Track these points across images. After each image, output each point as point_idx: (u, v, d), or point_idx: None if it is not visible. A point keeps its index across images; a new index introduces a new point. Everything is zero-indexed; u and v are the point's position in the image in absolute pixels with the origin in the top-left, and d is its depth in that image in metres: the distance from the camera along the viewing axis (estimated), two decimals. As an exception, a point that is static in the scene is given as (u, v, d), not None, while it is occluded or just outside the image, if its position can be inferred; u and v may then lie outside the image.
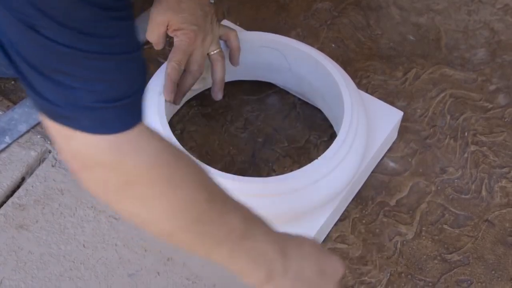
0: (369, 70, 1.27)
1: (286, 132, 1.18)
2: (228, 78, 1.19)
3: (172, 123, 1.16)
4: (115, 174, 0.68)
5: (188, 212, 0.71)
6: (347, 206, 1.11)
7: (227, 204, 0.75)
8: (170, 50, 1.06)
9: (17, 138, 1.16)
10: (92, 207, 1.10)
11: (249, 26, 1.26)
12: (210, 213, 0.72)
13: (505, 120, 1.22)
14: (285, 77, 1.17)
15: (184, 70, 1.06)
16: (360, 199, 1.12)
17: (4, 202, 1.10)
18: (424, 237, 1.09)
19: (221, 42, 1.11)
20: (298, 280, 0.78)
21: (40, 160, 1.15)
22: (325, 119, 1.18)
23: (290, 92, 1.22)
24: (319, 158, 0.99)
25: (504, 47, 1.32)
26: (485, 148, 1.19)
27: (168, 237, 0.73)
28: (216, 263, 0.76)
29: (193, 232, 0.72)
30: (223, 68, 1.10)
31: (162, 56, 1.25)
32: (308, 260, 0.80)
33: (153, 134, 0.71)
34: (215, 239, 0.73)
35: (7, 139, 1.16)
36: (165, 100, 1.04)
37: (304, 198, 0.98)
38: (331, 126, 1.17)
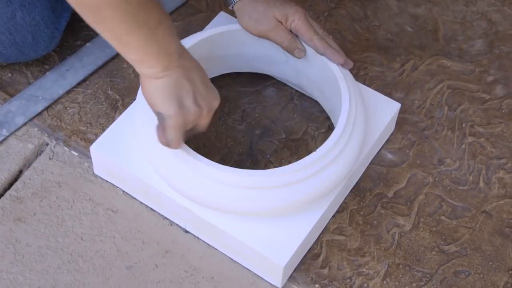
0: (366, 61, 1.27)
1: (283, 124, 1.18)
2: (224, 70, 1.19)
3: (169, 115, 1.16)
4: None
5: None
6: (345, 198, 1.11)
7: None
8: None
9: (14, 131, 1.16)
10: (90, 199, 1.10)
11: (246, 17, 1.26)
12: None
13: (503, 111, 1.22)
14: (283, 69, 1.17)
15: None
16: (358, 190, 1.12)
17: (1, 195, 1.10)
18: (422, 229, 1.09)
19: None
20: (185, 77, 0.92)
21: (38, 153, 1.15)
22: (322, 111, 1.18)
23: (288, 84, 1.22)
24: (317, 150, 0.99)
25: (501, 38, 1.32)
26: (482, 139, 1.19)
27: (95, 12, 0.82)
28: (127, 48, 0.88)
29: (119, 10, 0.81)
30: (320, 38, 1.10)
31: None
32: (198, 70, 0.94)
33: None
34: (137, 21, 0.84)
35: (4, 132, 1.15)
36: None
37: (302, 190, 0.98)
38: (328, 118, 1.17)
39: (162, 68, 0.90)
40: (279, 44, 1.09)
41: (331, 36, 1.11)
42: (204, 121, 0.97)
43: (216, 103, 0.97)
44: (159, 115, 0.94)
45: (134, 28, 0.85)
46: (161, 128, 0.94)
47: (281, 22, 1.09)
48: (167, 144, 0.95)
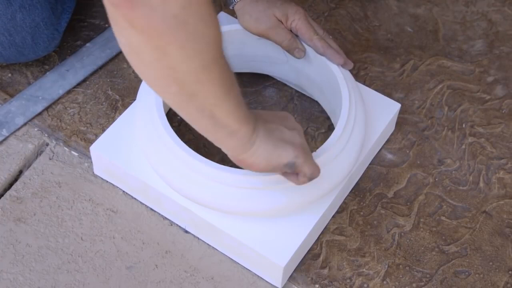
0: (366, 61, 1.27)
1: (283, 124, 1.18)
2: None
3: (169, 116, 1.16)
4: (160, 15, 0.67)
5: (202, 56, 0.72)
6: (345, 198, 1.11)
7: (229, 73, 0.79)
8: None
9: (14, 131, 1.16)
10: (89, 200, 1.10)
11: (246, 18, 1.26)
12: (218, 63, 0.75)
13: (503, 111, 1.23)
14: (283, 69, 1.17)
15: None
16: (358, 191, 1.12)
17: (1, 195, 1.10)
18: (422, 229, 1.09)
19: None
20: (274, 128, 0.88)
21: (38, 153, 1.15)
22: (322, 111, 1.18)
23: (288, 84, 1.22)
24: (317, 150, 0.99)
25: (501, 38, 1.32)
26: (482, 139, 1.19)
27: (180, 86, 0.74)
28: (220, 121, 0.80)
29: (214, 71, 0.74)
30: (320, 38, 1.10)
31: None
32: (270, 116, 0.90)
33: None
34: (226, 84, 0.77)
35: (4, 132, 1.15)
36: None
37: (302, 191, 0.98)
38: (328, 118, 1.17)
39: (251, 131, 0.85)
40: (279, 43, 1.09)
41: (331, 36, 1.11)
42: None
43: (287, 114, 0.94)
44: (286, 168, 0.90)
45: (227, 92, 0.78)
46: (295, 173, 0.91)
47: (281, 22, 1.09)
48: (313, 177, 0.92)
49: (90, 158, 1.12)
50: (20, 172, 1.13)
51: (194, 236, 1.07)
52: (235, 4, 1.10)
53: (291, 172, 0.91)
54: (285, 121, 0.92)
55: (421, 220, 1.10)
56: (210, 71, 0.75)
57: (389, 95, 1.19)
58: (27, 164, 1.14)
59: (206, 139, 1.15)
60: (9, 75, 1.22)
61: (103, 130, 1.14)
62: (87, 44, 1.25)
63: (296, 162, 0.89)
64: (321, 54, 1.08)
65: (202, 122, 0.82)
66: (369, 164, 1.15)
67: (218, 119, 0.81)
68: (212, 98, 0.78)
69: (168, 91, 0.76)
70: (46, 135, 1.16)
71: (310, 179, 0.92)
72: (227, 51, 1.14)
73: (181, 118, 1.17)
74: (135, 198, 1.10)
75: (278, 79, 1.22)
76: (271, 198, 0.98)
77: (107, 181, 1.12)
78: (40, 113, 1.18)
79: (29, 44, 1.15)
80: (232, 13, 1.16)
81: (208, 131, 0.84)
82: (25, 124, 1.17)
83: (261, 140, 0.87)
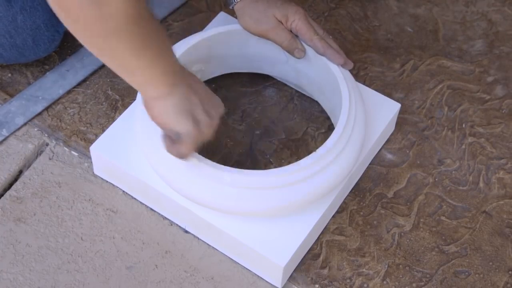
0: (366, 61, 1.27)
1: (283, 124, 1.18)
2: (225, 70, 1.19)
3: (169, 116, 1.16)
4: None
5: (134, 10, 0.78)
6: (345, 198, 1.11)
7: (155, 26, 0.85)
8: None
9: (14, 131, 1.16)
10: (89, 200, 1.10)
11: (246, 18, 1.26)
12: (145, 13, 0.81)
13: (503, 111, 1.22)
14: (283, 69, 1.17)
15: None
16: (357, 191, 1.12)
17: (1, 195, 1.10)
18: (421, 229, 1.09)
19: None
20: (192, 92, 0.92)
21: (38, 153, 1.15)
22: (322, 111, 1.18)
23: (288, 84, 1.22)
24: (317, 150, 0.99)
25: (501, 38, 1.32)
26: (482, 139, 1.19)
27: (105, 40, 0.81)
28: (133, 72, 0.87)
29: (130, 35, 0.81)
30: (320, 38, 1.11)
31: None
32: (201, 87, 0.94)
33: None
34: (145, 43, 0.83)
35: (4, 132, 1.15)
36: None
37: (302, 191, 0.98)
38: (328, 118, 1.17)
39: (168, 87, 0.89)
40: (279, 44, 1.09)
41: (331, 37, 1.11)
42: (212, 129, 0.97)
43: (222, 109, 0.97)
44: (173, 133, 0.92)
45: (142, 50, 0.84)
46: (176, 143, 0.93)
47: (281, 22, 1.09)
48: (180, 156, 0.95)
49: (90, 158, 1.12)
50: (20, 172, 1.13)
51: (194, 236, 1.07)
52: (235, 4, 1.10)
53: (173, 138, 0.94)
54: (209, 105, 0.94)
55: (421, 220, 1.10)
56: (114, 36, 0.80)
57: (389, 95, 1.19)
58: (27, 164, 1.14)
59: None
60: (9, 75, 1.22)
61: (103, 130, 1.14)
62: (87, 44, 1.25)
63: (183, 137, 0.92)
64: (321, 54, 1.08)
65: (116, 70, 0.88)
66: (369, 164, 1.15)
67: (130, 73, 0.88)
68: (120, 59, 0.85)
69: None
70: (46, 135, 1.16)
71: (177, 155, 0.95)
72: (227, 51, 1.15)
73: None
74: (135, 198, 1.10)
75: (278, 79, 1.22)
76: (271, 198, 0.97)
77: (107, 181, 1.12)
78: (40, 113, 1.18)
79: (30, 46, 1.15)
80: (232, 13, 1.16)
81: (122, 75, 0.89)
82: (25, 124, 1.17)
83: (172, 100, 0.90)
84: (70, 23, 0.80)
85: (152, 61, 0.86)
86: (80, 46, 1.26)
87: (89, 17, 0.77)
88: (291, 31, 1.09)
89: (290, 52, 1.10)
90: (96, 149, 1.08)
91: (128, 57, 0.84)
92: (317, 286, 1.04)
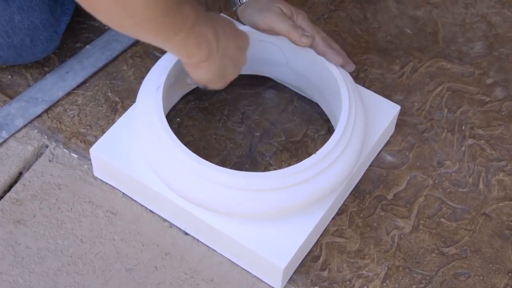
0: (366, 63, 1.27)
1: (283, 126, 1.18)
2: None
3: (169, 118, 1.16)
4: None
5: (157, 5, 0.83)
6: (345, 200, 1.11)
7: None
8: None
9: (14, 133, 1.16)
10: (89, 202, 1.10)
11: (246, 20, 1.26)
12: (171, 5, 0.86)
13: (502, 113, 1.23)
14: (282, 71, 1.17)
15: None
16: (357, 192, 1.12)
17: (1, 197, 1.10)
18: (421, 231, 1.09)
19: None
20: (225, 57, 0.99)
21: (37, 155, 1.15)
22: (322, 113, 1.18)
23: (287, 86, 1.22)
24: (317, 152, 0.99)
25: (501, 40, 1.32)
26: (482, 141, 1.19)
27: (133, 30, 0.88)
28: (169, 50, 0.96)
29: (156, 24, 0.86)
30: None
31: (158, 50, 1.25)
32: (230, 38, 1.00)
33: None
34: (174, 28, 0.89)
35: (4, 134, 1.15)
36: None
37: (301, 193, 0.98)
38: (328, 120, 1.17)
39: (203, 57, 0.96)
40: (285, 32, 1.07)
41: (332, 40, 1.12)
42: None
43: (247, 42, 1.04)
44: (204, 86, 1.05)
45: (172, 35, 0.90)
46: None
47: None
48: (203, 85, 1.05)
49: (89, 160, 1.12)
50: (20, 174, 1.13)
51: (194, 238, 1.07)
52: (238, 7, 1.10)
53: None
54: (235, 51, 1.01)
55: (421, 222, 1.10)
56: (142, 28, 0.87)
57: (389, 97, 1.19)
58: (27, 166, 1.14)
59: (206, 141, 1.16)
60: (9, 77, 1.22)
61: (103, 132, 1.14)
62: (87, 46, 1.25)
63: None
64: (321, 54, 1.08)
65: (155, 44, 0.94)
66: (369, 166, 1.15)
67: (166, 49, 0.96)
68: (154, 42, 0.92)
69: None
70: (45, 137, 1.16)
71: (201, 82, 1.04)
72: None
73: (181, 120, 1.18)
74: (134, 200, 1.10)
75: (278, 81, 1.22)
76: (271, 200, 0.97)
77: (106, 183, 1.12)
78: (39, 115, 1.18)
79: (28, 46, 1.15)
80: (232, 16, 1.16)
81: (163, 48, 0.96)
82: (24, 126, 1.17)
83: (208, 69, 0.99)
84: (101, 18, 0.86)
85: (184, 41, 0.92)
86: (80, 48, 1.26)
87: (115, 14, 0.84)
88: None
89: (297, 39, 1.07)
90: (95, 151, 1.08)
91: (161, 42, 0.91)
92: (317, 288, 1.04)
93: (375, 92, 1.18)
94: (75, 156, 1.14)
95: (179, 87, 1.14)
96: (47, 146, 1.15)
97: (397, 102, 1.17)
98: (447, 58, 1.29)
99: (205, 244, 1.07)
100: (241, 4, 1.10)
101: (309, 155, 1.00)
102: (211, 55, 0.96)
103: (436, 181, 1.14)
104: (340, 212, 1.10)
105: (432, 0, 1.37)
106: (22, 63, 1.20)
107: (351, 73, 1.12)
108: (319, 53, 1.09)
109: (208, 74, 0.99)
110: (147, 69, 1.10)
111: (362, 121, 1.06)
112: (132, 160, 1.06)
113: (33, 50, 1.16)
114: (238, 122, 1.18)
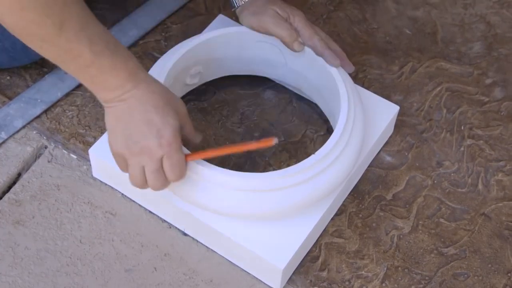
0: (365, 64, 1.27)
1: (282, 126, 1.18)
2: (223, 73, 1.19)
3: (168, 118, 1.16)
4: None
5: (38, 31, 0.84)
6: (344, 201, 1.11)
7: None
8: (166, 45, 1.05)
9: (13, 134, 1.16)
10: (88, 202, 1.10)
11: (245, 20, 1.26)
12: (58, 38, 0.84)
13: (501, 113, 1.23)
14: (282, 72, 1.17)
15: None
16: (356, 193, 1.12)
17: (0, 198, 1.10)
18: (420, 231, 1.09)
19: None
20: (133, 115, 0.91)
21: (36, 156, 1.15)
22: (321, 114, 1.18)
23: (286, 86, 1.22)
24: (316, 152, 0.99)
25: (500, 41, 1.32)
26: (481, 141, 1.19)
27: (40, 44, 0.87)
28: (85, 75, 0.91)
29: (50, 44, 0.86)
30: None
31: (157, 51, 1.25)
32: (151, 101, 0.92)
33: None
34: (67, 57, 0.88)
35: (3, 135, 1.15)
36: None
37: (301, 193, 0.98)
38: (327, 121, 1.17)
39: (116, 95, 0.92)
40: (279, 35, 1.08)
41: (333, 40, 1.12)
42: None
43: (175, 123, 0.94)
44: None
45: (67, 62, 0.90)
46: None
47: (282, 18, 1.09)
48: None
49: (88, 160, 1.12)
50: (19, 175, 1.13)
51: (193, 238, 1.07)
52: (236, 9, 1.10)
53: None
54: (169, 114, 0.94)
55: (420, 222, 1.10)
56: (49, 45, 0.86)
57: (388, 98, 1.19)
58: (26, 167, 1.14)
59: (205, 141, 1.15)
60: (8, 77, 1.22)
61: (102, 133, 1.14)
62: (86, 47, 1.25)
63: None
64: (319, 55, 1.08)
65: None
66: (368, 166, 1.15)
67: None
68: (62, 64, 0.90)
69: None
70: (44, 137, 1.16)
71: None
72: (226, 54, 1.15)
73: (179, 120, 1.18)
74: (134, 201, 1.10)
75: (277, 82, 1.22)
76: (270, 200, 0.97)
77: (105, 184, 1.12)
78: (38, 116, 1.18)
79: (20, 49, 1.13)
80: (231, 16, 1.16)
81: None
82: (23, 127, 1.17)
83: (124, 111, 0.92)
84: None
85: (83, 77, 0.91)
86: (79, 48, 1.25)
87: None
88: None
89: (290, 45, 1.08)
90: (95, 151, 1.08)
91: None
92: (316, 288, 1.04)
93: (374, 92, 1.18)
94: (74, 156, 1.14)
95: (178, 88, 1.14)
96: (46, 147, 1.15)
97: (396, 103, 1.17)
98: (446, 59, 1.29)
99: (204, 245, 1.07)
100: (238, 6, 1.10)
101: (308, 155, 1.00)
102: (122, 99, 0.92)
103: (435, 182, 1.14)
104: (339, 212, 1.10)
105: (431, 0, 1.37)
106: (18, 65, 1.20)
107: (350, 74, 1.12)
108: (317, 54, 1.09)
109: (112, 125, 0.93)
110: (146, 70, 1.10)
111: (361, 122, 1.06)
112: (131, 160, 1.06)
113: (26, 53, 1.14)
114: (237, 123, 1.18)
